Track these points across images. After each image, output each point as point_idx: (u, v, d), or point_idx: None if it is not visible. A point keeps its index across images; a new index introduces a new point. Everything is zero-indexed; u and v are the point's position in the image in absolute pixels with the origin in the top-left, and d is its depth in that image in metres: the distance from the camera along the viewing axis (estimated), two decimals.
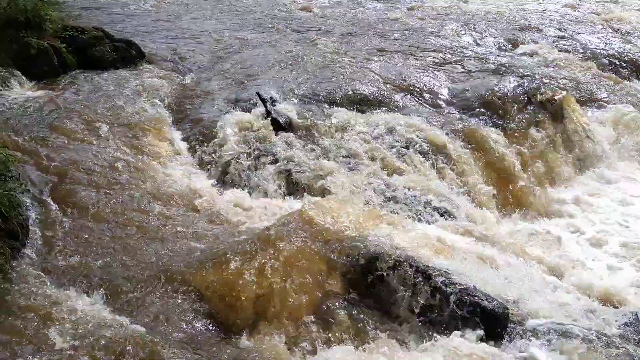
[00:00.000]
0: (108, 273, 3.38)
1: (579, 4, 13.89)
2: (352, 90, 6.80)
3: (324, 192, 4.74)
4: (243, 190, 4.87)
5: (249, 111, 5.91)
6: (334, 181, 4.94)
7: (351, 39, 9.41)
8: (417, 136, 5.92)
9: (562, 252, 4.69)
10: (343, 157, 5.43)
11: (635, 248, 4.91)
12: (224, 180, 5.01)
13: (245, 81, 6.99)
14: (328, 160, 5.31)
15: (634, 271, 4.52)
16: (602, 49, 9.68)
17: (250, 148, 5.30)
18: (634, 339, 3.21)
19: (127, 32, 8.47)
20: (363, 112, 6.37)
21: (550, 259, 4.39)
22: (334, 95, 6.62)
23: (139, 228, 3.86)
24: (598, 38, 10.19)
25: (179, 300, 3.15)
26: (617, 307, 3.71)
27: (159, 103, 5.91)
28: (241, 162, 5.13)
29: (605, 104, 7.53)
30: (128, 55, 7.10)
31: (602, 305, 3.75)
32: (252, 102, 6.14)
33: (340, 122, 6.02)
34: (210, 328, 3.06)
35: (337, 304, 3.19)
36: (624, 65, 9.25)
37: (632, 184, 6.20)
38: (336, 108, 6.33)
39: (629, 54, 9.54)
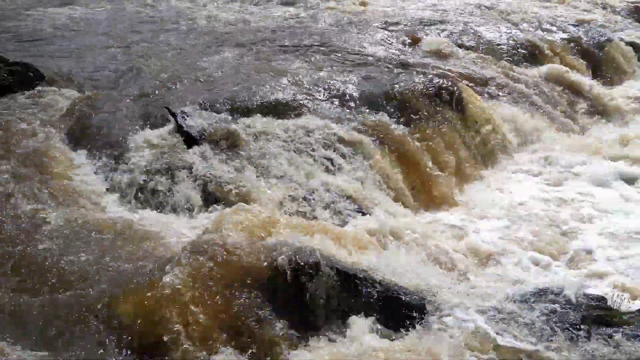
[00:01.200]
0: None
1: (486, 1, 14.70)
2: (266, 97, 6.81)
3: (242, 202, 4.73)
4: (158, 209, 4.77)
5: (160, 127, 5.80)
6: (253, 190, 4.95)
7: (260, 45, 9.46)
8: (332, 137, 6.03)
9: (471, 241, 4.96)
10: (261, 164, 5.44)
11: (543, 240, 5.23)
12: (137, 201, 4.88)
13: (155, 96, 6.84)
14: (246, 169, 5.30)
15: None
16: (499, 40, 10.24)
17: (163, 165, 5.20)
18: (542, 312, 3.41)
19: (28, 54, 8.10)
20: (278, 117, 6.38)
21: (461, 248, 4.62)
22: (248, 103, 6.60)
23: (43, 269, 3.68)
24: (494, 30, 10.76)
25: (93, 328, 3.08)
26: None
27: (60, 127, 5.66)
28: (154, 181, 5.02)
29: (503, 94, 7.99)
30: (26, 78, 6.78)
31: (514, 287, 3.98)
32: (162, 117, 6.02)
33: (256, 129, 6.02)
34: (123, 352, 3.00)
35: (255, 316, 3.21)
36: (519, 53, 9.83)
37: (529, 175, 6.61)
38: (251, 116, 6.31)
39: (523, 42, 10.16)
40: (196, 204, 4.85)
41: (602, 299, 3.50)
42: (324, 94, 7.12)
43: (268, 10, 13.20)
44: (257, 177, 5.19)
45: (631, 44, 10.59)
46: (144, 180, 5.02)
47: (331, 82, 7.40)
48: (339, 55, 8.72)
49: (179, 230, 4.34)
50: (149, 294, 3.23)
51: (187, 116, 5.98)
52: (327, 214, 4.92)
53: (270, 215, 4.14)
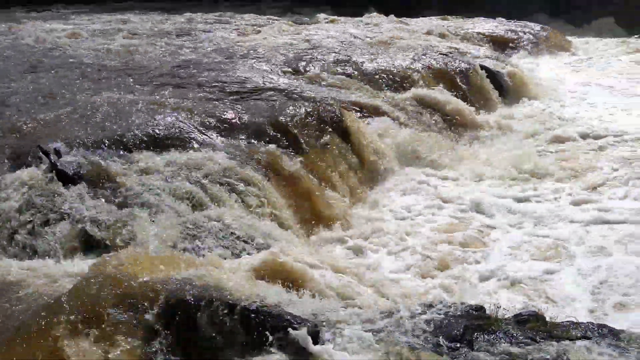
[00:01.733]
0: None
1: (358, 30, 15.48)
2: (150, 131, 6.61)
3: (124, 243, 4.51)
4: (31, 255, 4.42)
5: (33, 166, 5.43)
6: (136, 229, 4.74)
7: (146, 77, 9.26)
8: (219, 170, 5.98)
9: (362, 262, 5.13)
10: (144, 202, 5.24)
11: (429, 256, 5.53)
12: (7, 250, 4.48)
13: (28, 133, 6.41)
14: (127, 207, 5.08)
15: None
16: (377, 69, 10.79)
17: (36, 207, 4.84)
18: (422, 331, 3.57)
19: None
20: (163, 152, 6.23)
21: (352, 271, 4.76)
22: (131, 138, 6.37)
23: None
24: (373, 60, 11.34)
25: None
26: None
27: None
28: (26, 227, 4.65)
29: (383, 118, 8.44)
30: None
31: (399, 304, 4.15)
32: (34, 156, 5.64)
33: (138, 166, 5.83)
34: None
35: (144, 357, 3.07)
36: (395, 80, 10.43)
37: (413, 194, 7.00)
38: (134, 152, 6.12)
39: (399, 70, 10.79)
40: (73, 248, 4.54)
41: (481, 308, 3.75)
42: (211, 126, 7.07)
43: (154, 42, 13.00)
44: (140, 215, 4.97)
45: (488, 70, 11.65)
46: (15, 225, 4.64)
47: (218, 113, 7.37)
48: (226, 86, 8.74)
49: (55, 277, 4.04)
50: (24, 347, 2.97)
51: (62, 154, 5.64)
52: (217, 249, 4.83)
53: (155, 255, 3.99)
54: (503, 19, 19.37)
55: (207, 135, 6.84)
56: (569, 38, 19.39)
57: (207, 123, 7.09)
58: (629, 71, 14.24)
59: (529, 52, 16.72)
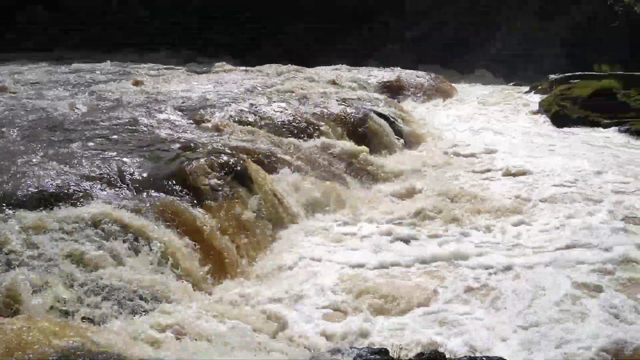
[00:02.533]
0: None
1: (259, 79, 15.71)
2: (39, 186, 6.24)
3: (12, 311, 4.17)
4: None
5: None
6: (23, 295, 4.40)
7: (35, 130, 8.79)
8: (116, 224, 5.74)
9: (265, 310, 5.09)
10: (32, 263, 4.90)
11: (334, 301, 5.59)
12: None
13: None
14: (14, 270, 4.71)
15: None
16: (278, 117, 10.99)
17: None
18: None
19: None
20: (54, 209, 5.88)
21: (257, 322, 4.70)
22: (18, 196, 5.97)
23: None
24: (274, 108, 11.54)
25: None
26: None
27: None
28: None
29: (286, 166, 8.56)
30: None
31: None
32: None
33: (26, 224, 5.45)
34: None
35: None
36: (297, 127, 10.66)
37: (316, 240, 7.09)
38: (20, 210, 5.72)
39: (300, 118, 11.05)
40: None
41: (385, 351, 3.85)
42: (107, 179, 6.78)
43: (46, 93, 12.44)
44: (30, 278, 4.63)
45: (383, 116, 12.25)
46: None
47: (115, 165, 7.10)
48: (124, 137, 8.49)
49: None
50: None
51: None
52: (116, 309, 4.59)
53: (45, 323, 3.72)
54: (396, 68, 20.57)
55: (102, 188, 6.56)
56: (455, 85, 20.93)
57: (103, 176, 6.81)
58: (503, 111, 15.81)
59: (420, 98, 17.84)
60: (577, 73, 17.02)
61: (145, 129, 9.15)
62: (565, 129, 13.81)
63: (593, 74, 16.68)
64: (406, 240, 7.10)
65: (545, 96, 16.69)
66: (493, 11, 27.87)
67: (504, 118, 15.38)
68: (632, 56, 19.33)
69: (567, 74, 17.16)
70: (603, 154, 11.33)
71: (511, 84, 21.86)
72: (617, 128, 13.45)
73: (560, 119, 14.46)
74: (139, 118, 9.80)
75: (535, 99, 17.27)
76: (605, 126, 13.70)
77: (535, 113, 15.67)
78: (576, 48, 23.23)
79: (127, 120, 9.62)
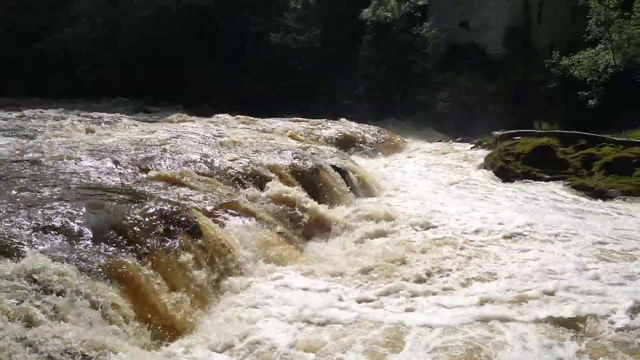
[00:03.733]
0: None
1: (210, 130, 15.66)
2: None
3: None
4: None
5: None
6: None
7: None
8: (55, 277, 5.44)
9: None
10: None
11: None
12: None
13: None
14: None
15: None
16: (228, 167, 10.91)
17: None
18: None
19: None
20: None
21: None
22: None
23: None
24: (223, 158, 11.47)
25: None
26: None
27: None
28: None
29: (235, 217, 8.44)
30: None
31: None
32: None
33: None
34: None
35: None
36: (247, 178, 10.60)
37: (265, 297, 6.90)
38: None
39: (250, 168, 11.01)
40: None
41: None
42: (46, 231, 6.46)
43: None
44: None
45: (337, 168, 12.38)
46: None
47: (55, 216, 6.78)
48: (67, 187, 8.15)
49: None
50: None
51: None
52: None
53: None
54: (347, 121, 21.03)
55: (41, 241, 6.24)
56: (406, 140, 21.53)
57: (42, 227, 6.49)
58: (451, 167, 16.34)
59: (372, 152, 18.21)
60: (519, 130, 17.85)
61: (90, 178, 8.87)
62: (510, 184, 14.34)
63: (533, 131, 17.53)
64: (357, 299, 6.95)
65: (490, 152, 17.36)
66: (437, 75, 29.20)
67: (451, 173, 15.85)
68: (567, 115, 20.48)
69: (509, 131, 17.97)
70: (544, 207, 11.76)
71: (457, 139, 22.69)
72: (557, 183, 14.07)
73: (504, 174, 15.05)
74: (85, 167, 9.53)
75: (480, 154, 17.93)
76: (547, 181, 14.32)
77: (481, 167, 16.23)
78: (517, 107, 24.48)
79: (71, 169, 9.32)
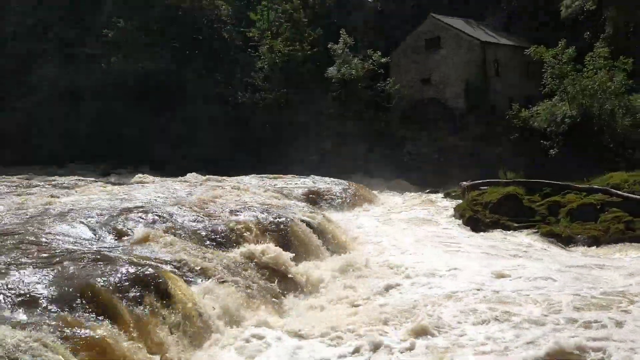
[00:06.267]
0: None
1: (179, 189, 15.45)
2: None
3: None
4: None
5: None
6: None
7: None
8: (20, 346, 5.12)
9: None
10: None
11: None
12: None
13: None
14: None
15: None
16: (199, 227, 10.71)
17: None
18: None
19: None
20: None
21: None
22: None
23: None
24: (194, 218, 11.27)
25: None
26: None
27: None
28: None
29: (207, 277, 8.20)
30: None
31: None
32: None
33: None
34: None
35: None
36: (219, 237, 10.40)
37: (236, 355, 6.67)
38: None
39: (221, 226, 10.83)
40: None
41: None
42: (10, 297, 6.15)
43: None
44: None
45: (307, 223, 12.29)
46: None
47: (20, 281, 6.48)
48: (34, 251, 7.83)
49: None
50: None
51: None
52: None
53: None
54: (316, 176, 21.11)
55: (6, 307, 5.92)
56: (375, 192, 21.68)
57: (7, 294, 6.18)
58: (421, 219, 16.36)
59: (342, 206, 18.21)
60: (485, 180, 18.19)
61: (58, 242, 8.56)
62: (480, 233, 14.45)
63: (499, 180, 17.89)
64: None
65: (459, 202, 17.57)
66: (401, 129, 29.92)
67: (422, 225, 15.91)
68: (530, 164, 21.07)
69: (476, 182, 18.30)
70: (516, 256, 11.85)
71: (426, 191, 22.98)
72: (526, 231, 14.25)
73: (474, 223, 15.19)
74: (52, 231, 9.21)
75: (449, 204, 18.13)
76: (515, 229, 14.50)
77: (450, 218, 16.36)
78: (481, 157, 25.11)
79: (39, 233, 8.98)
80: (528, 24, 35.53)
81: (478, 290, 9.06)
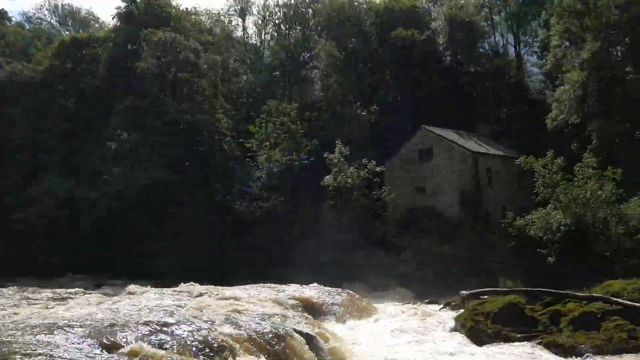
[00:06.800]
0: None
1: (173, 300, 15.19)
2: None
3: None
4: None
5: None
6: None
7: None
8: None
9: None
10: None
11: None
12: None
13: None
14: None
15: None
16: (193, 337, 10.39)
17: None
18: None
19: None
20: None
21: None
22: None
23: None
24: (187, 328, 10.97)
25: None
26: None
27: None
28: None
29: None
30: None
31: None
32: None
33: None
34: None
35: None
36: (212, 349, 10.04)
37: None
38: None
39: (214, 338, 10.49)
40: None
41: None
42: None
43: None
44: None
45: (304, 335, 11.96)
46: None
47: None
48: None
49: None
50: None
51: None
52: None
53: None
54: (314, 285, 20.81)
55: None
56: (373, 302, 21.28)
57: None
58: (422, 331, 15.82)
59: (339, 317, 17.79)
60: (485, 289, 17.94)
61: (48, 355, 8.29)
62: (483, 347, 14.01)
63: (499, 290, 17.64)
64: None
65: (459, 312, 17.19)
66: (398, 238, 30.09)
67: (423, 337, 15.36)
68: (528, 272, 20.94)
69: (476, 290, 18.03)
70: None
71: (425, 300, 22.56)
72: (529, 343, 13.87)
73: (476, 334, 14.77)
74: (42, 343, 8.94)
75: (450, 315, 17.71)
76: (519, 340, 14.11)
77: (452, 330, 15.92)
78: (478, 266, 25.03)
79: (29, 345, 8.71)
80: (517, 135, 37.08)
81: None
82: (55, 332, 9.83)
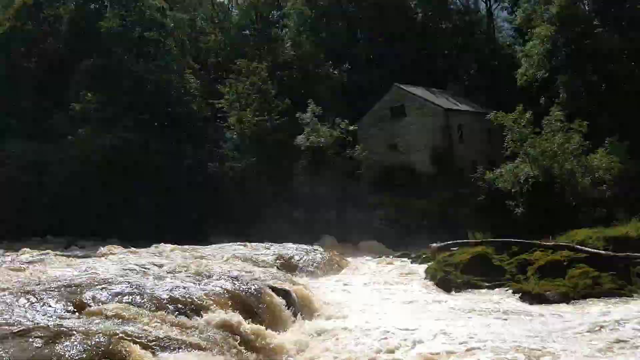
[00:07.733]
0: None
1: (148, 260, 15.11)
2: None
3: None
4: None
5: None
6: None
7: None
8: None
9: None
10: None
11: None
12: None
13: None
14: None
15: None
16: (167, 296, 10.41)
17: None
18: None
19: None
20: None
21: None
22: None
23: None
24: (162, 287, 10.98)
25: None
26: None
27: None
28: None
29: (177, 347, 7.92)
30: None
31: None
32: None
33: None
34: None
35: None
36: (187, 306, 10.11)
37: None
38: None
39: (190, 295, 10.55)
40: None
41: None
42: None
43: None
44: None
45: (279, 291, 12.08)
46: None
47: None
48: None
49: None
50: None
51: None
52: None
53: None
54: (287, 243, 20.96)
55: None
56: (347, 257, 21.58)
57: None
58: (393, 282, 16.19)
59: (314, 272, 18.03)
60: (455, 241, 18.33)
61: (13, 318, 8.21)
62: (453, 294, 14.41)
63: (469, 241, 18.05)
64: None
65: (429, 264, 17.58)
66: (371, 195, 30.36)
67: (394, 287, 15.78)
68: (497, 224, 21.39)
69: (446, 243, 18.42)
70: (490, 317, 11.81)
71: (397, 254, 22.96)
72: (497, 290, 14.31)
73: (446, 284, 15.18)
74: (12, 305, 8.85)
75: (421, 266, 18.13)
76: (488, 288, 14.54)
77: (422, 279, 16.32)
78: (449, 220, 25.49)
79: None
80: (487, 91, 37.32)
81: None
82: (23, 294, 9.73)
